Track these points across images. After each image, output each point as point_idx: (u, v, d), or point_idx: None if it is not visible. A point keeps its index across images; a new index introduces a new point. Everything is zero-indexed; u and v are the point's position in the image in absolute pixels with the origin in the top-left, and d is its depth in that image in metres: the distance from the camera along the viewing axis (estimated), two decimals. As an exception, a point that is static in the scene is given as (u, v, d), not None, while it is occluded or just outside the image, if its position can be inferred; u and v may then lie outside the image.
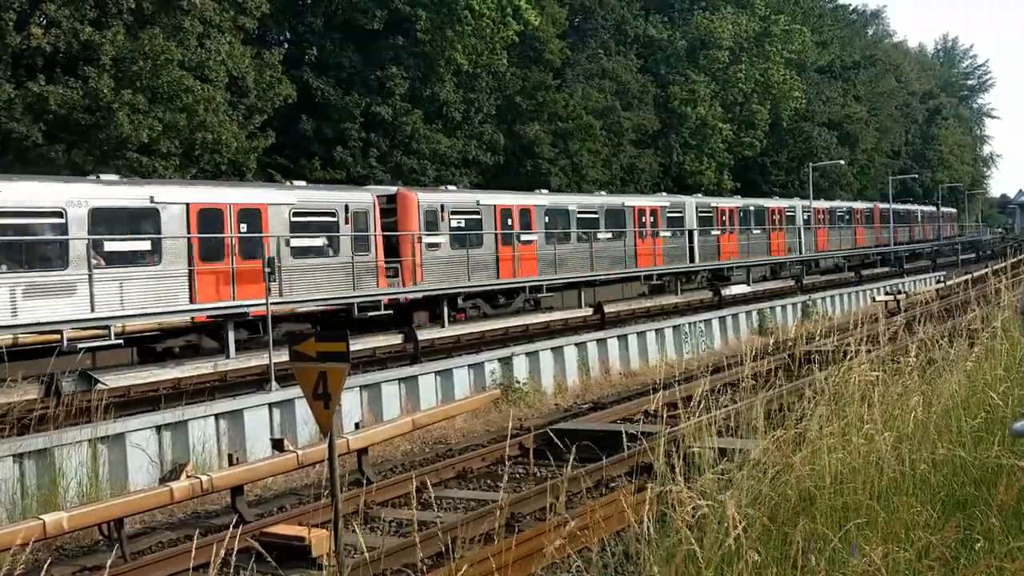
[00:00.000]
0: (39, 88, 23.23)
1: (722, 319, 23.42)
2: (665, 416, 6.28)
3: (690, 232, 34.93)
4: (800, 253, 43.00)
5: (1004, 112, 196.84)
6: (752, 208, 41.45)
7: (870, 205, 56.96)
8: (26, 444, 9.97)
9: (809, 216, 46.43)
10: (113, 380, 14.88)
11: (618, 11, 48.18)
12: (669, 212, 34.38)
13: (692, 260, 34.60)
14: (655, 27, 51.15)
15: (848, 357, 6.82)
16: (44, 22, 24.21)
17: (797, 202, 46.88)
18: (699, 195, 40.30)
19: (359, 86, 34.00)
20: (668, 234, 34.04)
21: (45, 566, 5.77)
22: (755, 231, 40.66)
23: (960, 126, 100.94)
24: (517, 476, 11.16)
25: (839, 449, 5.47)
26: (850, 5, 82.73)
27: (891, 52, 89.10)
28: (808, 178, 53.18)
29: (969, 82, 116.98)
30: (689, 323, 21.82)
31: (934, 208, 72.81)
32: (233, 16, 28.71)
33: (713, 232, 37.13)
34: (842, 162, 58.48)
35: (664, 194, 38.61)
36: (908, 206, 65.69)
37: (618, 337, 19.49)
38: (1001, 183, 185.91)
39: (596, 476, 9.75)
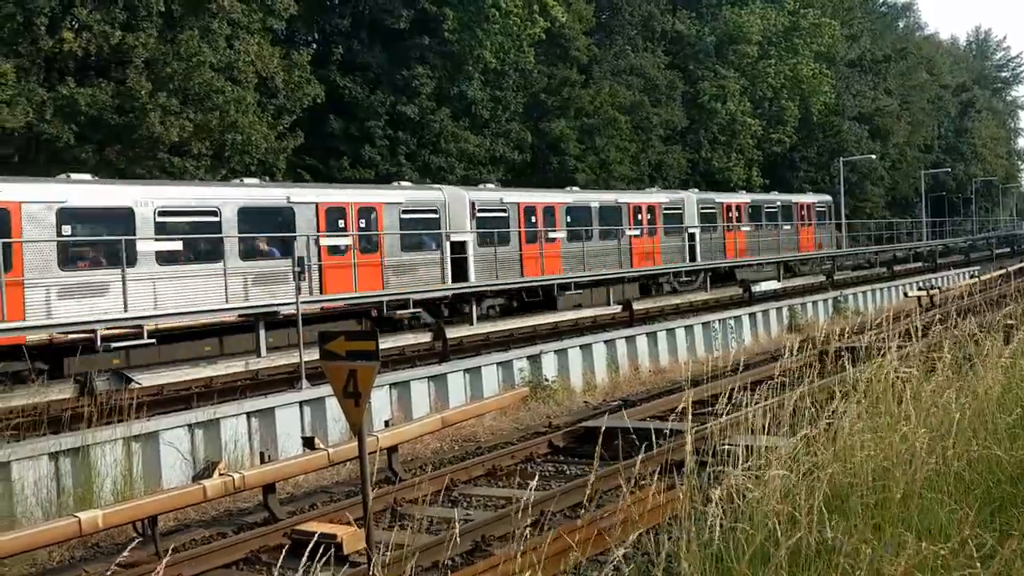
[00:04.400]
0: (68, 91, 23.57)
1: (752, 316, 23.27)
2: (694, 414, 6.24)
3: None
4: (696, 260, 33.57)
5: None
6: (571, 204, 29.06)
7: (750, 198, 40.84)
8: (61, 443, 10.10)
9: (715, 213, 36.12)
10: (146, 379, 15.05)
11: (645, 7, 48.01)
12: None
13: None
14: (683, 23, 50.90)
15: (880, 353, 6.74)
16: (76, 26, 24.56)
17: (689, 195, 35.82)
18: (483, 187, 29.61)
19: (386, 85, 34.14)
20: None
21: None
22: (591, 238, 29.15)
23: (994, 119, 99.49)
24: (547, 474, 11.16)
25: (872, 446, 5.41)
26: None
27: (923, 45, 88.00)
28: (839, 173, 52.69)
29: (1002, 74, 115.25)
30: (719, 320, 21.69)
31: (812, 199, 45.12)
32: (262, 17, 28.96)
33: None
34: (873, 157, 57.85)
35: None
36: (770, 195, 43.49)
37: (647, 334, 19.42)
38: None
39: (626, 473, 9.71)
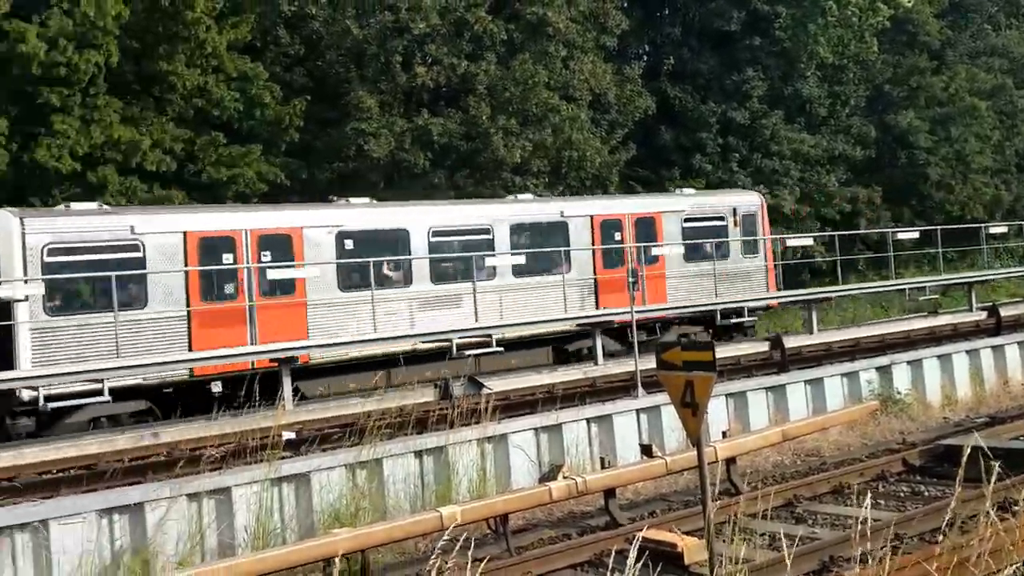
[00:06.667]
0: (423, 121, 25.92)
1: None
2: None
3: None
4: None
5: None
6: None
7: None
8: (424, 442, 11.06)
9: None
10: (497, 384, 16.03)
11: (1009, -20, 43.25)
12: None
13: None
14: (1055, -8, 45.14)
15: None
16: (429, 61, 26.99)
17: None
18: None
19: (716, 92, 33.77)
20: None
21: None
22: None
23: None
24: (900, 494, 10.38)
25: None
26: None
27: None
28: None
29: None
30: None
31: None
32: (595, 36, 29.95)
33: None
34: None
35: None
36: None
37: (1019, 343, 17.41)
38: None
39: (995, 498, 8.77)
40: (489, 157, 26.13)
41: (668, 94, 33.15)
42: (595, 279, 20.69)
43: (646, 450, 10.75)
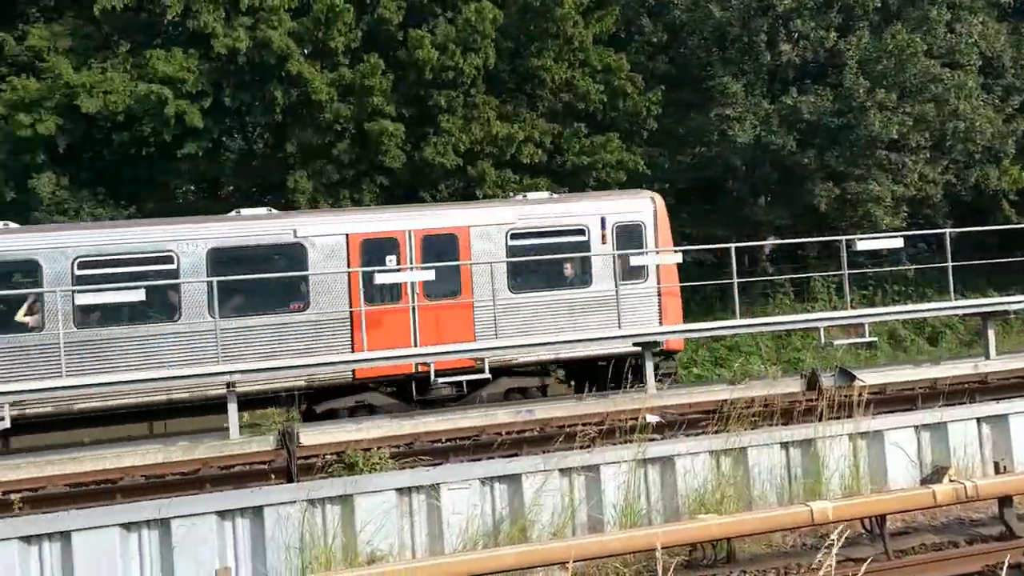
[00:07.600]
0: (792, 100, 24.97)
1: None
2: None
3: None
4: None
5: None
6: None
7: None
8: (791, 434, 10.70)
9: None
10: (870, 377, 15.05)
11: None
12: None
13: None
14: None
15: None
16: (795, 37, 25.95)
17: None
18: None
19: None
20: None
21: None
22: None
23: None
24: None
25: None
26: None
27: None
28: None
29: None
30: None
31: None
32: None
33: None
34: None
35: None
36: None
37: None
38: None
39: None
40: (862, 134, 24.58)
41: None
42: (350, 314, 15.83)
43: (1052, 457, 9.61)
